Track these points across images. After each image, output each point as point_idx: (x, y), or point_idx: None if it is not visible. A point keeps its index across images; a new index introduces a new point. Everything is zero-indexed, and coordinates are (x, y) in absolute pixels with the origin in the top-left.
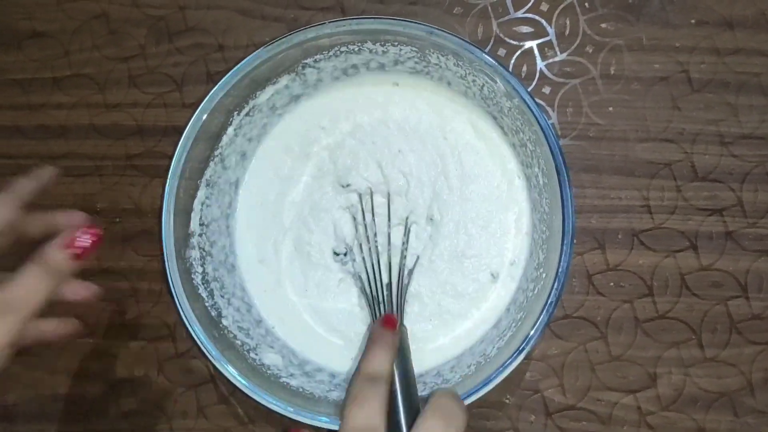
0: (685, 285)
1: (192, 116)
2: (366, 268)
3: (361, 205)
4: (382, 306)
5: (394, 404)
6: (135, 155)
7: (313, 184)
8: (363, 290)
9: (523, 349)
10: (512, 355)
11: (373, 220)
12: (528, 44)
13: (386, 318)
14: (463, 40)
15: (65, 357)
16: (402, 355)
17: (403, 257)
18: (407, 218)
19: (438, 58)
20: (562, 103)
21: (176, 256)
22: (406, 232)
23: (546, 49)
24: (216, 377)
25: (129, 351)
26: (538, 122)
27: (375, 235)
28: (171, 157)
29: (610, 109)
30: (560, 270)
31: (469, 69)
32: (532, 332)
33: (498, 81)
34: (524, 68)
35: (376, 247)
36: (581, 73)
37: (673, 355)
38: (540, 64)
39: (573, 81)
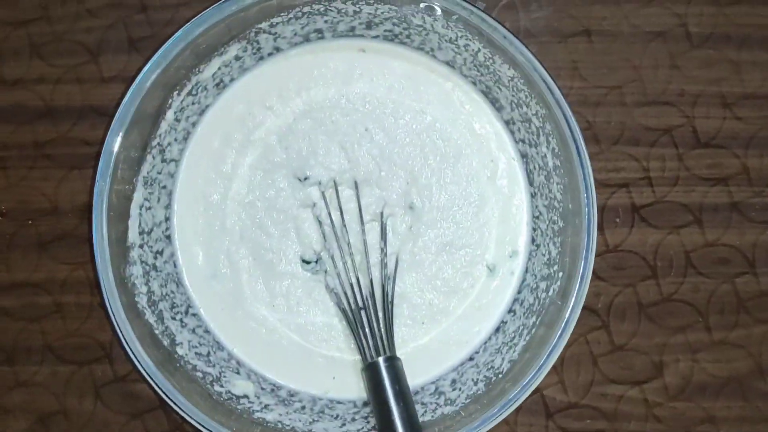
0: (691, 263)
1: (122, 99)
2: (341, 281)
3: (325, 201)
4: (365, 327)
5: None
6: (46, 142)
7: (264, 180)
8: (340, 306)
9: (546, 364)
10: (534, 372)
11: (342, 219)
12: None
13: None
14: None
15: None
16: (402, 398)
17: (384, 265)
18: (382, 212)
19: (423, 18)
20: (552, 65)
21: (114, 275)
22: (383, 231)
23: (530, 2)
24: (165, 402)
25: (57, 377)
26: (553, 96)
27: (347, 240)
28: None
29: (604, 70)
30: (584, 271)
31: (462, 31)
32: (555, 343)
33: (500, 46)
34: (506, 25)
35: (350, 253)
36: (571, 30)
37: (680, 341)
38: (524, 20)
39: (563, 39)
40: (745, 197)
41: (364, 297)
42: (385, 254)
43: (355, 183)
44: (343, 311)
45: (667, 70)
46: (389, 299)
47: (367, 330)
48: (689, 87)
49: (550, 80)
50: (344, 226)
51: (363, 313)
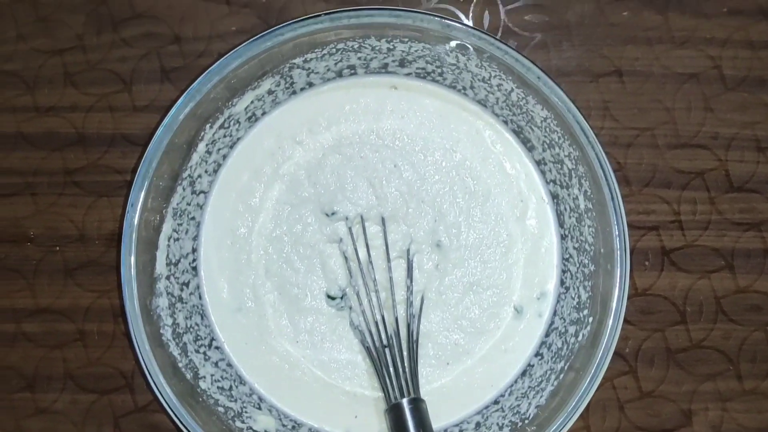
0: (721, 309)
1: (154, 129)
2: (366, 318)
3: (352, 237)
4: (389, 366)
5: None
6: (76, 170)
7: (291, 214)
8: (364, 343)
9: (575, 411)
10: (562, 419)
11: (369, 255)
12: (540, 36)
13: None
14: (493, 37)
15: None
16: None
17: (410, 304)
18: (408, 249)
19: (456, 57)
20: (583, 105)
21: (139, 306)
22: (409, 269)
23: (561, 41)
24: None
25: (77, 406)
26: (587, 138)
27: (373, 277)
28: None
29: (636, 110)
30: (616, 315)
31: (495, 71)
32: (583, 390)
33: (534, 86)
34: (537, 64)
35: (376, 290)
36: (602, 70)
37: (710, 389)
38: (555, 59)
39: (594, 79)
40: None
41: (389, 335)
42: (411, 292)
43: (382, 219)
44: (367, 349)
45: (701, 113)
46: (414, 338)
47: (391, 369)
48: (723, 130)
49: (584, 122)
50: (370, 262)
51: (387, 351)
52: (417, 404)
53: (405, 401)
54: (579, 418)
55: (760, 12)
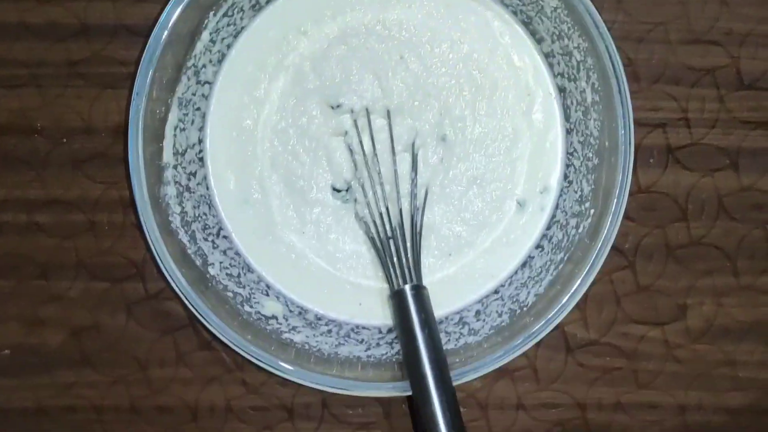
0: (723, 207)
1: (156, 18)
2: (370, 210)
3: (357, 130)
4: (393, 256)
5: (425, 391)
6: (79, 61)
7: (297, 106)
8: (368, 234)
9: (570, 300)
10: (558, 307)
11: (374, 149)
12: None
13: None
14: None
15: (14, 303)
16: (427, 326)
17: (414, 196)
18: (414, 143)
19: None
20: None
21: (148, 194)
22: (414, 163)
23: None
24: (196, 320)
25: (90, 293)
26: (598, 29)
27: (378, 170)
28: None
29: (650, 5)
30: (616, 209)
31: None
32: (581, 280)
33: None
34: None
35: (381, 183)
36: None
37: (706, 284)
38: None
39: None
40: None
41: (393, 227)
42: (416, 185)
43: (388, 112)
44: (372, 240)
45: (716, 6)
46: (417, 229)
47: (395, 259)
48: (737, 25)
49: (595, 12)
50: (375, 155)
51: (391, 242)
52: (419, 291)
53: (408, 287)
54: (576, 310)
55: None
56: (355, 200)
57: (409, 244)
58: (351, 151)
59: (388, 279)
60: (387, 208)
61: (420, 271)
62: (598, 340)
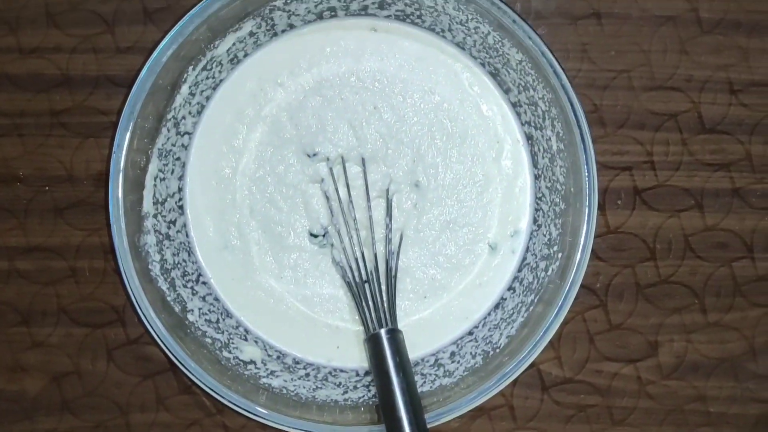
0: (689, 247)
1: (138, 70)
2: (347, 255)
3: (333, 177)
4: (368, 300)
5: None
6: (62, 111)
7: (274, 155)
8: (345, 278)
9: (542, 339)
10: (531, 347)
11: (349, 195)
12: None
13: None
14: None
15: None
16: (402, 369)
17: (389, 241)
18: (388, 189)
19: (434, 0)
20: (561, 47)
21: (128, 243)
22: (389, 207)
23: None
24: (175, 365)
25: (71, 339)
26: (560, 81)
27: (354, 215)
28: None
29: (613, 53)
30: (583, 252)
31: (473, 14)
32: (551, 321)
33: (509, 29)
34: (518, 6)
35: (356, 228)
36: (581, 12)
37: (675, 322)
38: (535, 1)
39: (573, 21)
40: (747, 183)
41: (369, 271)
42: (390, 230)
43: (362, 160)
44: (348, 284)
45: (676, 55)
46: (393, 273)
47: (370, 303)
48: (697, 72)
49: (556, 65)
50: (351, 201)
51: (367, 286)
52: (394, 335)
53: (383, 331)
54: (550, 349)
55: None
56: (332, 245)
57: (384, 288)
58: (327, 197)
59: (364, 323)
60: (362, 253)
61: (395, 315)
62: (573, 377)
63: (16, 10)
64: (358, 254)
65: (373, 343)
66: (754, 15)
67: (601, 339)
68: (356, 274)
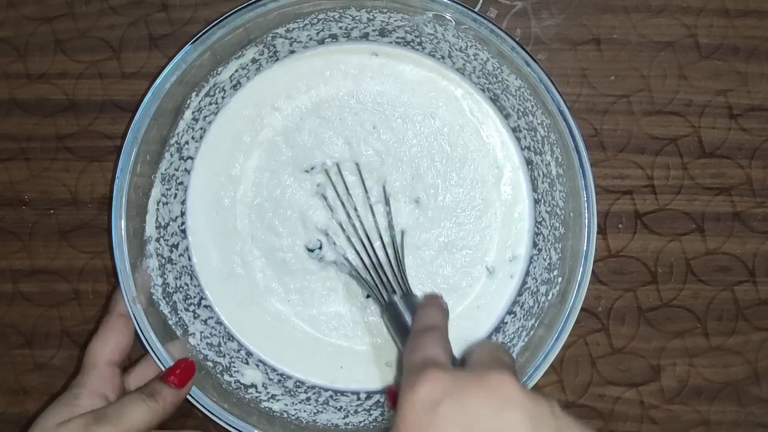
0: (691, 270)
1: (142, 95)
2: (352, 243)
3: (329, 178)
4: (380, 275)
5: None
6: (67, 135)
7: (271, 180)
8: (352, 273)
9: (543, 363)
10: (532, 371)
11: (347, 191)
12: (521, 4)
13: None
14: (468, 9)
15: None
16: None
17: (391, 227)
18: (384, 187)
19: (434, 27)
20: (561, 72)
21: (130, 268)
22: (386, 201)
23: (541, 10)
24: None
25: (74, 361)
26: (558, 107)
27: (354, 206)
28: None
29: (612, 78)
30: (583, 275)
31: (472, 41)
32: (551, 345)
33: (508, 56)
34: (518, 32)
35: (358, 217)
36: (581, 38)
37: (678, 346)
38: (535, 27)
39: (572, 47)
40: (748, 207)
41: (376, 252)
42: (392, 220)
43: (357, 167)
44: (355, 275)
45: (675, 80)
46: (399, 246)
47: (382, 277)
48: (696, 97)
49: (554, 91)
50: (349, 195)
51: (375, 267)
52: (409, 299)
53: (397, 297)
54: (553, 372)
55: None
56: (334, 243)
57: (393, 261)
58: (325, 198)
59: (379, 298)
60: (368, 237)
61: (407, 282)
62: (576, 401)
63: (25, 36)
64: (363, 237)
65: (391, 311)
66: (752, 41)
67: (604, 363)
68: (364, 257)
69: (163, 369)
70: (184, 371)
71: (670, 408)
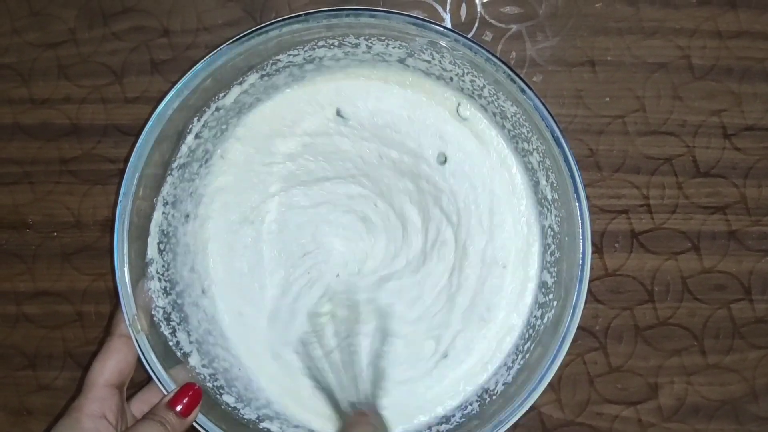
0: (687, 289)
1: (145, 120)
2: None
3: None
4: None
5: None
6: (71, 159)
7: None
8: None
9: (540, 384)
10: (529, 391)
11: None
12: (516, 27)
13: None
14: (464, 37)
15: (1, 393)
16: None
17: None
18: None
19: (431, 55)
20: (556, 93)
21: (132, 289)
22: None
23: (536, 32)
24: None
25: (77, 383)
26: (552, 134)
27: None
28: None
29: (607, 99)
30: (577, 301)
31: (468, 68)
32: (549, 363)
33: (502, 82)
34: (513, 54)
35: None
36: (576, 60)
37: (675, 364)
38: (530, 50)
39: (567, 69)
40: (743, 226)
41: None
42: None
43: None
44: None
45: (670, 101)
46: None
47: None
48: (690, 117)
49: (549, 118)
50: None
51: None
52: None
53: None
54: (551, 391)
55: (728, 2)
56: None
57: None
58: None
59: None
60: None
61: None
62: (574, 420)
63: (29, 62)
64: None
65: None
66: (744, 61)
67: (601, 381)
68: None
69: (165, 391)
70: (191, 399)
71: (668, 426)
